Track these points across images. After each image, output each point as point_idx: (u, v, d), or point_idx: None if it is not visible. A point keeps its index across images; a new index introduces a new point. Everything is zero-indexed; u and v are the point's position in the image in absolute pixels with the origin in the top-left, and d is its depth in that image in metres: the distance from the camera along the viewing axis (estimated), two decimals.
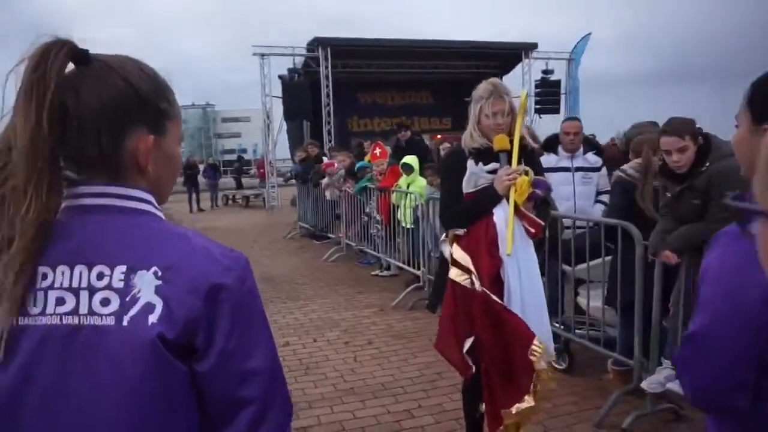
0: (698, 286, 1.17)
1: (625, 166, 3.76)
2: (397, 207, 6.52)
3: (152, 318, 0.83)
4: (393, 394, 3.80)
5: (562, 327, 4.12)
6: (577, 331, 4.03)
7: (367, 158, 7.82)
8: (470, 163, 2.63)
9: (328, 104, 14.78)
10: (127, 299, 0.83)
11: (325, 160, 9.02)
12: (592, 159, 4.65)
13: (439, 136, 12.45)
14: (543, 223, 2.67)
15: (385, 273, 7.26)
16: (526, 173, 2.58)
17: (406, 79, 18.66)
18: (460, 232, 2.67)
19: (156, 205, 0.94)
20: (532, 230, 2.62)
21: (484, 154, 2.62)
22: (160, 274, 0.85)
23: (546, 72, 17.70)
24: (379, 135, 12.05)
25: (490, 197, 2.60)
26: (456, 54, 17.12)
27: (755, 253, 0.74)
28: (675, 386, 3.10)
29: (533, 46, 17.64)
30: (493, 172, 2.61)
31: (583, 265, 3.88)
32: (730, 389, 1.10)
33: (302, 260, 8.50)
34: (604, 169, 4.71)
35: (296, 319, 5.50)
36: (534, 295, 2.62)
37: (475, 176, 2.63)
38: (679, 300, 3.20)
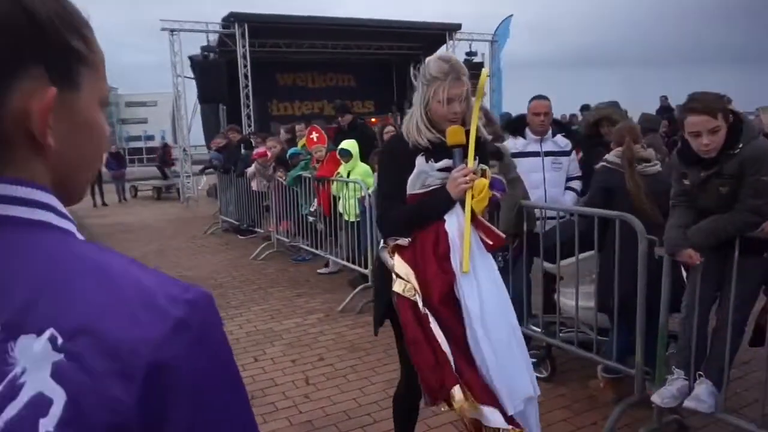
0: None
1: (607, 156, 3.35)
2: (338, 198, 5.86)
3: (46, 424, 0.48)
4: (360, 425, 3.19)
5: (543, 331, 3.67)
6: (561, 334, 3.59)
7: (300, 143, 7.06)
8: (420, 159, 2.16)
9: (247, 86, 13.73)
10: (1, 387, 0.48)
11: (254, 147, 8.15)
12: (562, 142, 4.22)
13: (374, 120, 11.84)
14: (503, 235, 2.22)
15: (324, 270, 6.61)
16: (484, 173, 2.14)
17: (327, 60, 17.92)
18: (404, 242, 2.19)
19: (60, 209, 0.59)
20: (490, 242, 2.20)
21: (435, 149, 2.15)
22: (60, 342, 0.50)
23: (470, 54, 17.50)
24: (301, 119, 11.25)
25: (441, 202, 2.15)
26: (379, 33, 16.52)
27: None
28: (692, 403, 2.71)
29: (457, 26, 17.37)
30: (446, 170, 2.16)
31: (567, 261, 3.44)
32: None
33: (228, 259, 7.65)
34: (573, 153, 4.30)
35: (229, 333, 4.73)
36: (501, 323, 2.14)
37: (424, 175, 2.17)
38: (694, 302, 2.80)
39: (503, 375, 2.07)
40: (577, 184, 4.29)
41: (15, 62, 0.54)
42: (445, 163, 2.15)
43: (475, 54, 17.43)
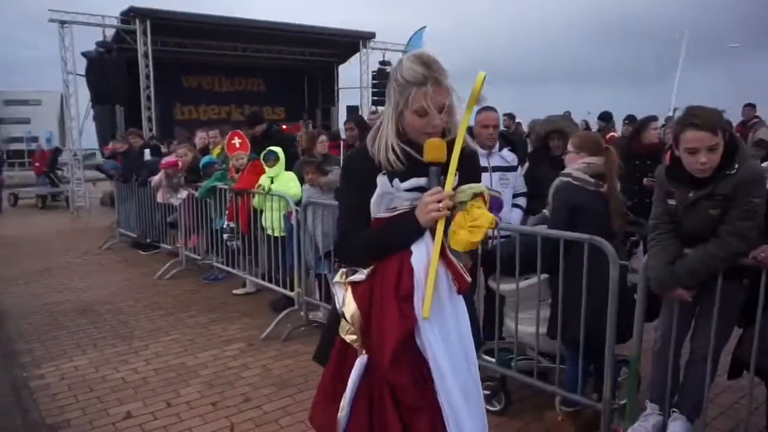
0: None
1: (569, 169, 3.12)
2: (260, 211, 5.31)
3: None
4: None
5: (495, 361, 3.39)
6: (517, 363, 3.32)
7: (215, 152, 6.40)
8: (381, 179, 1.78)
9: (149, 87, 12.68)
10: None
11: (163, 154, 7.36)
12: (509, 156, 4.00)
13: (285, 127, 11.27)
14: (469, 278, 1.88)
15: (241, 291, 6.02)
16: (481, 197, 1.75)
17: (236, 63, 17.16)
18: (358, 277, 1.86)
19: None
20: (455, 286, 1.84)
21: (409, 166, 1.77)
22: None
23: (383, 63, 17.42)
24: (206, 124, 10.52)
25: (407, 229, 1.78)
26: (291, 38, 16.00)
27: None
28: None
29: (371, 35, 17.24)
30: (418, 189, 1.78)
31: (523, 283, 3.18)
32: None
33: (128, 279, 6.80)
34: (519, 168, 4.10)
35: (135, 371, 4.06)
36: (467, 379, 1.85)
37: (388, 197, 1.80)
38: (670, 332, 2.62)
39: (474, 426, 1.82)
40: (522, 201, 4.09)
41: None
42: (413, 182, 1.78)
43: (389, 63, 17.34)
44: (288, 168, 5.39)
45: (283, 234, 5.08)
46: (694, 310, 2.59)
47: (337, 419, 1.84)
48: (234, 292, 6.02)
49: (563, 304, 2.98)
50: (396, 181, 1.78)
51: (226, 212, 5.71)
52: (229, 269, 5.96)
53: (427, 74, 1.71)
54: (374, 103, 16.95)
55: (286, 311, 4.87)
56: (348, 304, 1.87)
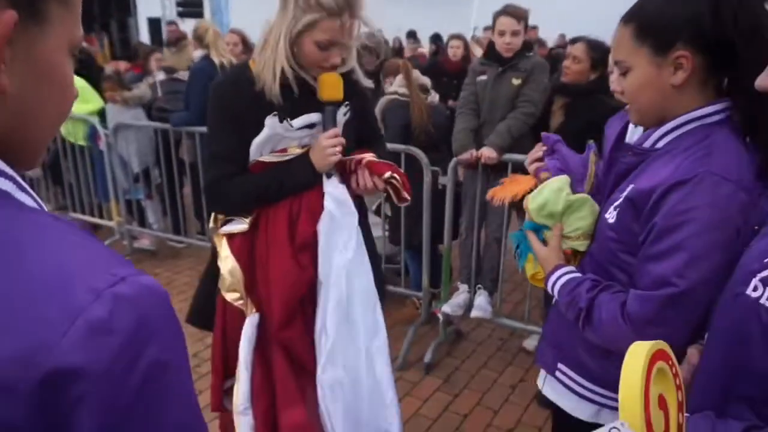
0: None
1: (394, 87, 3.38)
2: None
3: None
4: None
5: None
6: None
7: None
8: (271, 120, 1.56)
9: None
10: None
11: None
12: None
13: None
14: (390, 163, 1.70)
15: None
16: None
17: None
18: (241, 226, 1.66)
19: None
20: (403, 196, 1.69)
21: (298, 99, 1.59)
22: None
23: None
24: None
25: (301, 175, 1.61)
26: None
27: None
28: (478, 312, 3.06)
29: None
30: (309, 126, 1.63)
31: None
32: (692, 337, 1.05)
33: None
34: None
35: None
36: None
37: (277, 138, 1.60)
38: (471, 224, 3.10)
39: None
40: None
41: None
42: (304, 120, 1.60)
43: None
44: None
45: (86, 143, 4.57)
46: (484, 203, 3.07)
47: (239, 391, 1.67)
48: None
49: (406, 212, 3.19)
50: (287, 120, 1.58)
51: None
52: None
53: (344, 4, 1.46)
54: (180, 14, 15.50)
55: (107, 242, 4.61)
56: (225, 258, 1.67)
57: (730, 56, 0.98)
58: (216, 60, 4.02)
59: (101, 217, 4.76)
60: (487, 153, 2.86)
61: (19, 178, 0.50)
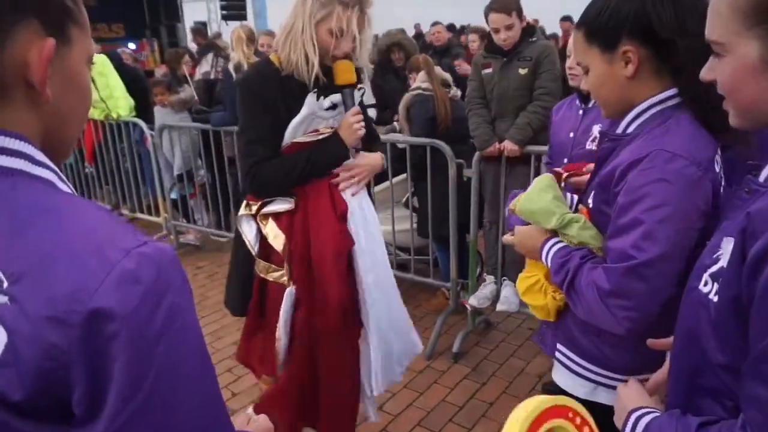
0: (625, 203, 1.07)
1: (417, 83, 3.45)
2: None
3: None
4: None
5: None
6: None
7: None
8: (311, 98, 1.76)
9: None
10: None
11: None
12: None
13: (126, 53, 10.31)
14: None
15: None
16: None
17: None
18: (286, 206, 1.84)
19: (37, 158, 0.60)
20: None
21: (321, 86, 1.79)
22: (5, 285, 0.53)
23: None
24: None
25: (335, 151, 1.84)
26: None
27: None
28: (503, 306, 3.08)
29: None
30: (332, 108, 1.83)
31: (380, 186, 3.54)
32: (660, 308, 1.07)
33: None
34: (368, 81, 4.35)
35: None
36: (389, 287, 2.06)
37: (311, 117, 1.79)
38: (497, 216, 3.13)
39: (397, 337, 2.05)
40: (372, 112, 4.37)
41: (14, 13, 0.57)
42: (333, 99, 1.80)
43: None
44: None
45: (132, 114, 4.85)
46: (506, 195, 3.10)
47: (276, 349, 1.88)
48: None
49: (432, 205, 3.28)
50: (322, 99, 1.78)
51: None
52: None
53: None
54: (224, 18, 15.93)
55: (155, 237, 4.87)
56: (276, 237, 1.84)
57: (672, 46, 1.04)
58: (235, 59, 4.16)
59: (149, 214, 5.03)
60: (510, 146, 2.90)
61: (58, 171, 0.63)
